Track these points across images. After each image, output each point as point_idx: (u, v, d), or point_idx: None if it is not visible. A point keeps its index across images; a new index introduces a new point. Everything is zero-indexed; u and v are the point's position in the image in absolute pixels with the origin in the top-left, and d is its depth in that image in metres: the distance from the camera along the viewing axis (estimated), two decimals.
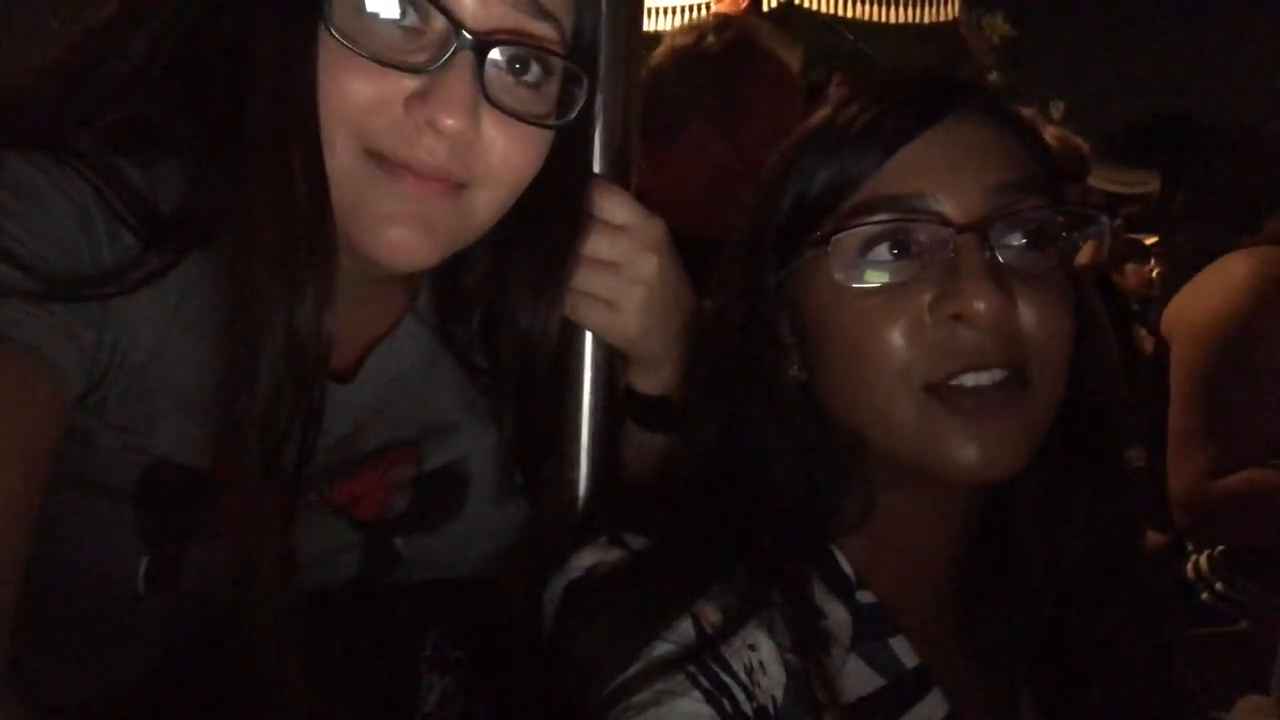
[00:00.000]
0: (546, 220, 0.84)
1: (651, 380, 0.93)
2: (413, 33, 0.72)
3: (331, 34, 0.70)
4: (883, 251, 0.74)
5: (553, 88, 0.78)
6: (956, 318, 0.72)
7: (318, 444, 0.76)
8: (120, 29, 0.73)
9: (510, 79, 0.75)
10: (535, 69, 0.76)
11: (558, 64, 0.78)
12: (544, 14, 0.76)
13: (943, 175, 0.75)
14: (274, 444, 0.72)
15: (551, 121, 0.79)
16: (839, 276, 0.75)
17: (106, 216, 0.72)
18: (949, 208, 0.74)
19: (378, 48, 0.71)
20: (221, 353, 0.75)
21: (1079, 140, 2.83)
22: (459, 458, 0.93)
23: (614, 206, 0.86)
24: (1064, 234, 0.77)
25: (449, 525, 0.92)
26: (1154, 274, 4.97)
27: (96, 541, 0.78)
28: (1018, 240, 0.75)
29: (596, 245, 0.86)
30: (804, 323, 0.79)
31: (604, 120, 0.88)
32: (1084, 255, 0.83)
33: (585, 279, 0.86)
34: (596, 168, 0.89)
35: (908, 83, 0.81)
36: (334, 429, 0.85)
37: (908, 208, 0.74)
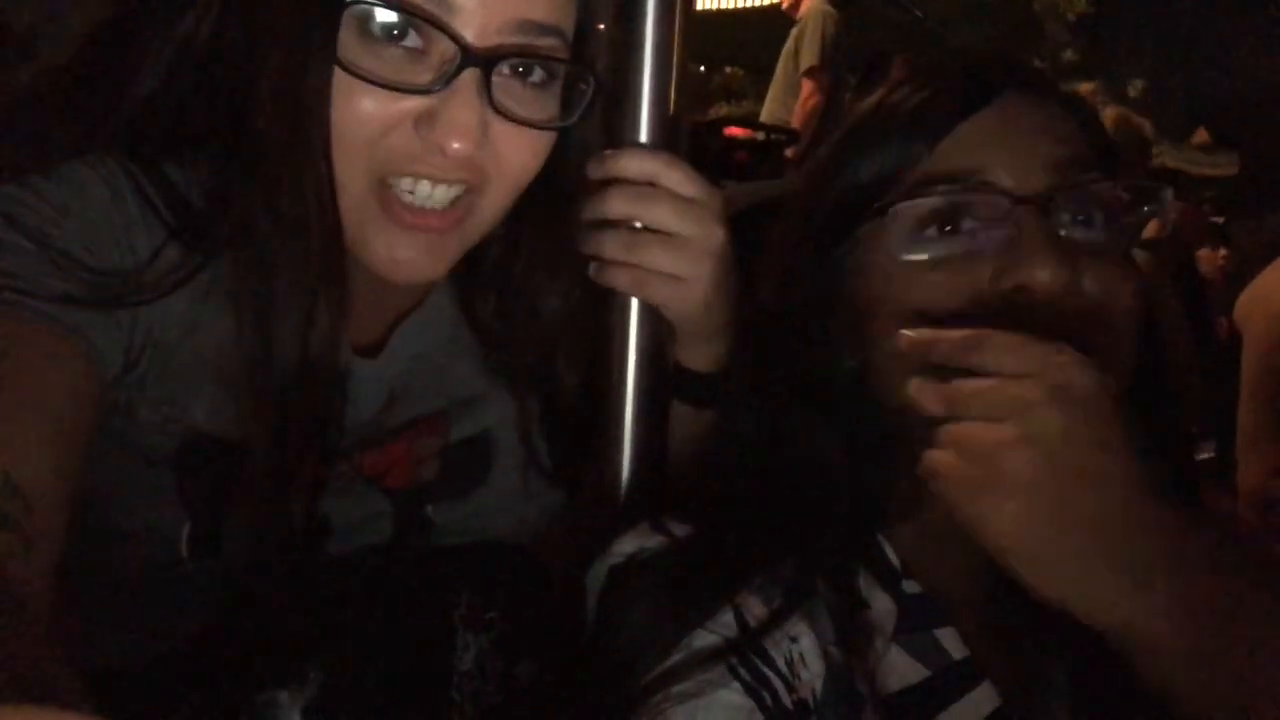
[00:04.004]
0: (555, 197, 0.85)
1: (703, 355, 0.92)
2: (417, 54, 0.73)
3: (339, 61, 0.71)
4: (940, 227, 0.73)
5: (558, 86, 0.79)
6: (1019, 289, 0.70)
7: (343, 428, 0.79)
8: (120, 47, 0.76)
9: (516, 84, 0.77)
10: (539, 73, 0.78)
11: (561, 68, 0.79)
12: (546, 30, 0.76)
13: (998, 151, 0.73)
14: (287, 445, 0.76)
15: (558, 122, 0.80)
16: (897, 250, 0.73)
17: (145, 210, 0.75)
18: (1008, 181, 0.72)
19: (384, 71, 0.72)
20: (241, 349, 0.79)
21: (1140, 119, 2.76)
22: (484, 428, 0.94)
23: (681, 181, 0.85)
24: (1125, 210, 0.75)
25: (478, 493, 0.93)
26: (1223, 257, 4.78)
27: (142, 508, 0.81)
28: (1078, 215, 0.73)
29: (665, 220, 0.85)
30: (857, 305, 0.77)
31: (653, 94, 0.88)
32: (1148, 232, 0.81)
33: (654, 256, 0.85)
34: (643, 138, 0.88)
35: (957, 63, 0.80)
36: (365, 404, 0.87)
37: (966, 182, 0.73)
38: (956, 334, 0.62)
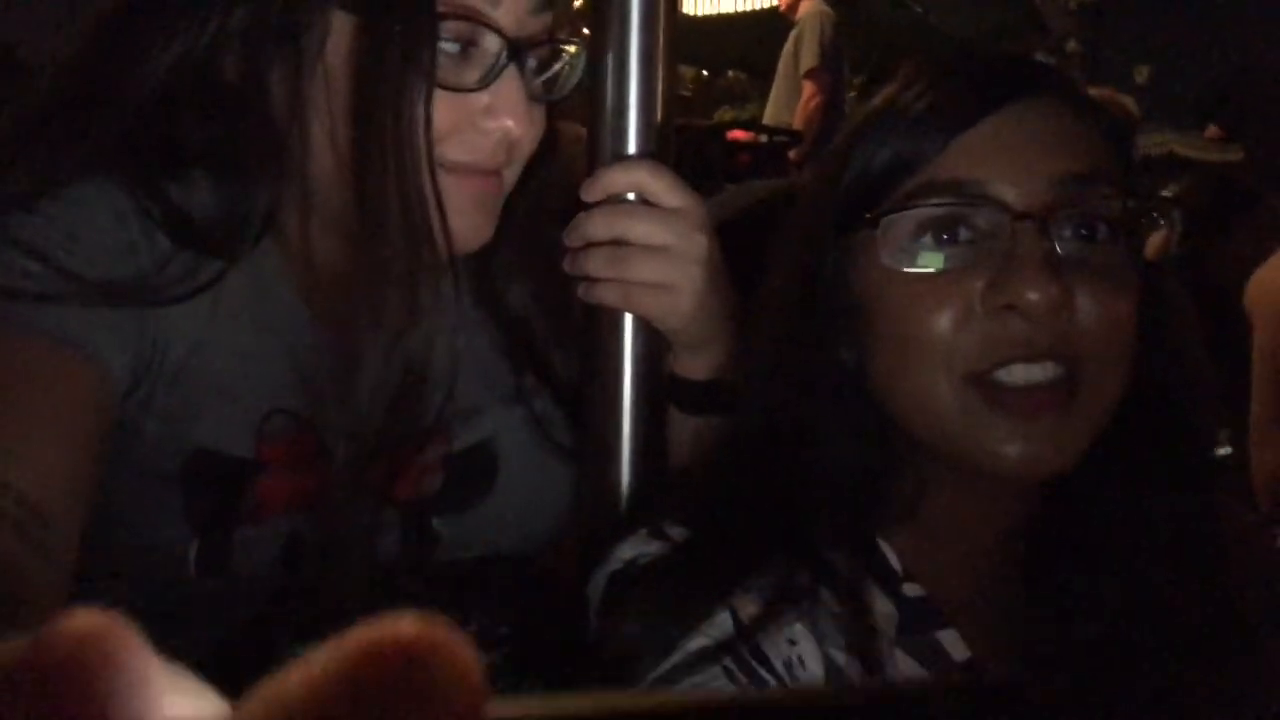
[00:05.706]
0: (534, 180, 0.90)
1: (699, 363, 0.92)
2: (462, 58, 0.79)
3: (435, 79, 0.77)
4: (937, 236, 0.72)
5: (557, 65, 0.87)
6: (1009, 308, 0.69)
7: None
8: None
9: (535, 68, 0.83)
10: (552, 60, 0.84)
11: (563, 46, 0.86)
12: (548, 4, 0.83)
13: (1005, 162, 0.72)
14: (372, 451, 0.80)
15: (556, 95, 0.87)
16: (888, 260, 0.73)
17: (147, 229, 0.77)
18: (1010, 195, 0.71)
19: (450, 77, 0.78)
20: (273, 350, 0.82)
21: (1125, 99, 2.83)
22: (487, 437, 0.94)
23: (665, 191, 0.86)
24: (1131, 226, 0.73)
25: (484, 504, 0.93)
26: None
27: (149, 527, 0.81)
28: (1080, 232, 0.71)
29: (649, 234, 0.85)
30: (854, 304, 0.77)
31: (640, 103, 0.88)
32: (1153, 247, 0.80)
33: (639, 269, 0.86)
34: (631, 147, 0.89)
35: (975, 63, 0.79)
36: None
37: (967, 193, 0.71)
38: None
